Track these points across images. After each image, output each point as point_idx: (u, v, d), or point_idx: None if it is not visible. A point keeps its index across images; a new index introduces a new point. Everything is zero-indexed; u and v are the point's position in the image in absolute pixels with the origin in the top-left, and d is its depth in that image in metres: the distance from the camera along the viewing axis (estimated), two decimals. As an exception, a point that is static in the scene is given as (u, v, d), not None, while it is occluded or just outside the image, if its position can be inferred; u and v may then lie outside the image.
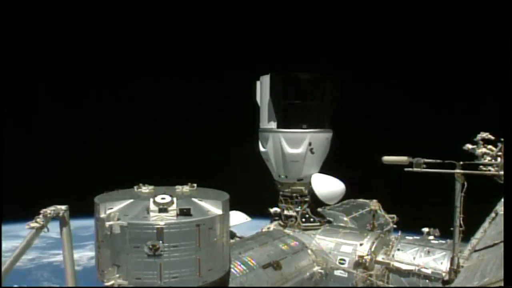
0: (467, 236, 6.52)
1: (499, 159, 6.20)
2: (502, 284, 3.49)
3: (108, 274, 5.17)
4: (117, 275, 5.14)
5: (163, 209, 5.25)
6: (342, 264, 8.17)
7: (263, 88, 9.24)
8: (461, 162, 5.92)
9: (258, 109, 9.41)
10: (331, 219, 9.85)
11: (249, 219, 9.34)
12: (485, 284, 3.68)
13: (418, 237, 8.37)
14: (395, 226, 10.69)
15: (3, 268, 4.86)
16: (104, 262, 5.32)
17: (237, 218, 8.99)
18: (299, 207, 9.42)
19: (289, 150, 8.95)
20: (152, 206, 5.24)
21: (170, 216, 5.23)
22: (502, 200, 7.34)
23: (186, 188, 6.43)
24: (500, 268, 4.16)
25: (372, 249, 8.07)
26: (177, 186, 6.50)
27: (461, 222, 6.02)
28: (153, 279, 5.10)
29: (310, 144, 8.91)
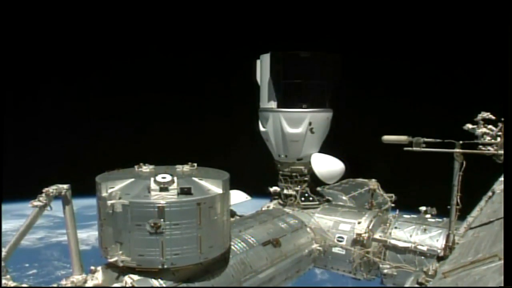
0: (463, 215, 6.61)
1: (498, 138, 6.18)
2: (495, 259, 3.58)
3: (112, 251, 5.31)
4: (120, 252, 5.27)
5: (164, 188, 5.31)
6: (340, 241, 8.34)
7: (263, 67, 9.10)
8: (461, 142, 5.91)
9: (258, 88, 9.33)
10: (330, 198, 9.97)
11: (249, 198, 9.44)
12: (478, 259, 3.77)
13: (415, 216, 8.50)
14: (393, 205, 10.83)
15: (8, 245, 4.98)
16: (107, 239, 5.44)
17: (237, 197, 9.08)
18: (299, 186, 9.51)
19: (289, 129, 8.93)
20: (153, 185, 5.30)
21: (171, 195, 5.30)
22: (500, 179, 7.41)
23: (186, 168, 6.47)
24: (493, 245, 4.26)
25: (370, 227, 8.21)
26: (177, 166, 6.53)
27: (458, 200, 6.08)
28: (155, 256, 5.24)
29: (310, 123, 8.88)
